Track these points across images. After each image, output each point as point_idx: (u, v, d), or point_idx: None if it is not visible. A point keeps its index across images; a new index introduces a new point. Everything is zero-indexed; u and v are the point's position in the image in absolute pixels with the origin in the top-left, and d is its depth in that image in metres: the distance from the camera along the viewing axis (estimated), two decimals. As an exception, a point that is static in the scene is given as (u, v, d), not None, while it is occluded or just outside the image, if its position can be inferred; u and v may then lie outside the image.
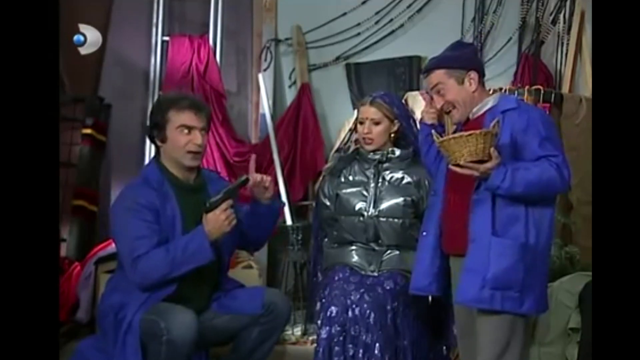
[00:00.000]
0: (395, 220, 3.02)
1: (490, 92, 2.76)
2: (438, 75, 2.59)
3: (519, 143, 2.47)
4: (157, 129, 2.79)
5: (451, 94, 2.58)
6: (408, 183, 3.06)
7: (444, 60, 2.62)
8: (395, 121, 3.07)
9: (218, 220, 2.66)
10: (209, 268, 2.73)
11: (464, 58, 2.60)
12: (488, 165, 2.38)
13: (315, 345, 2.89)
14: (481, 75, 2.61)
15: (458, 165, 2.40)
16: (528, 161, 2.45)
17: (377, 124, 3.05)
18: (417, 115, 4.30)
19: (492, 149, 2.37)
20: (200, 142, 2.78)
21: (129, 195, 2.77)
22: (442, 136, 2.47)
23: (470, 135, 2.36)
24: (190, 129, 2.77)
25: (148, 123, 2.88)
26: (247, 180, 2.75)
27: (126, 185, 2.90)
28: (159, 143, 2.81)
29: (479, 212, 2.47)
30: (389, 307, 2.88)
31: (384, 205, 3.03)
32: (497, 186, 2.41)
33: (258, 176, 2.82)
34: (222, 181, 3.07)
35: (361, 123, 3.09)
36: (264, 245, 3.20)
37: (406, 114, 3.17)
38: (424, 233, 2.68)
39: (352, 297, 2.87)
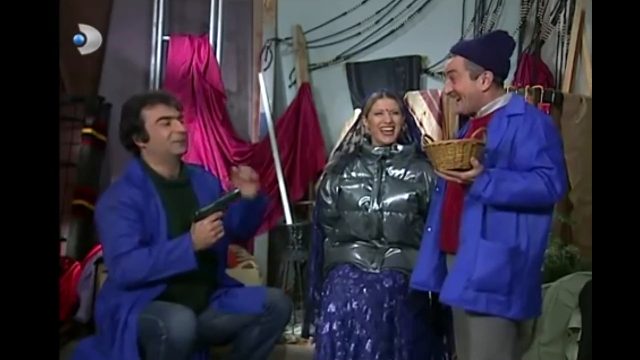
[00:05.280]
0: (399, 214, 3.04)
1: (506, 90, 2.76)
2: (457, 62, 2.60)
3: (519, 150, 2.48)
4: (136, 132, 2.80)
5: (461, 85, 2.59)
6: (411, 178, 3.09)
7: (468, 50, 2.63)
8: (404, 116, 3.14)
9: (204, 230, 2.67)
10: (204, 265, 2.74)
11: (488, 54, 2.59)
12: (470, 173, 2.41)
13: (315, 342, 2.92)
14: (499, 75, 2.60)
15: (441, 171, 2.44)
16: (524, 169, 2.45)
17: (396, 113, 3.10)
18: (418, 115, 4.36)
19: (472, 159, 2.39)
20: (182, 130, 2.81)
21: (111, 194, 2.80)
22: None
23: (448, 144, 2.41)
24: (168, 120, 2.79)
25: (120, 131, 2.85)
26: (239, 194, 2.76)
27: (111, 185, 2.92)
28: (141, 144, 2.81)
29: (470, 214, 2.49)
30: (386, 305, 2.89)
31: (388, 200, 3.05)
32: (479, 195, 2.43)
33: (244, 168, 2.85)
34: (207, 175, 3.10)
35: (378, 114, 3.11)
36: (250, 237, 3.20)
37: (407, 110, 3.22)
38: (429, 229, 2.71)
39: (352, 291, 2.89)
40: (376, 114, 3.11)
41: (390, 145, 3.11)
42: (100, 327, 2.80)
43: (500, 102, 2.59)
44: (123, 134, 2.84)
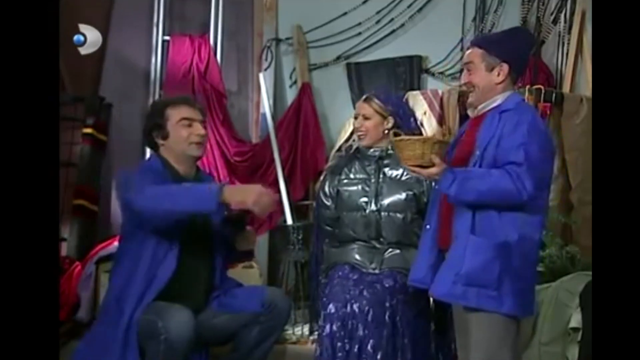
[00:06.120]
0: (397, 214, 3.04)
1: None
2: (474, 54, 2.63)
3: (502, 144, 2.48)
4: (157, 129, 2.87)
5: (476, 76, 2.61)
6: (409, 178, 3.09)
7: (486, 42, 2.67)
8: (390, 118, 3.10)
9: (254, 190, 2.62)
10: (202, 265, 2.80)
11: (506, 47, 2.61)
12: (431, 171, 2.45)
13: (316, 343, 2.92)
14: (515, 70, 2.61)
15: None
16: (503, 163, 2.44)
17: (367, 119, 3.11)
18: (418, 115, 4.36)
19: (432, 156, 2.42)
20: (202, 133, 2.88)
21: (132, 169, 2.92)
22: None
23: (409, 140, 2.47)
24: (190, 121, 2.86)
25: (144, 128, 2.93)
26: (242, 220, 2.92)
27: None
28: (160, 141, 2.87)
29: (461, 210, 2.50)
30: (387, 305, 2.89)
31: (386, 200, 3.06)
32: (446, 192, 2.45)
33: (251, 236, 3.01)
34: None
35: (355, 118, 3.18)
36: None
37: (404, 112, 3.20)
38: (427, 227, 2.71)
39: (352, 293, 2.89)
40: (355, 117, 3.18)
41: (385, 145, 3.11)
42: (102, 312, 2.82)
43: (497, 100, 2.60)
44: (146, 132, 2.92)
